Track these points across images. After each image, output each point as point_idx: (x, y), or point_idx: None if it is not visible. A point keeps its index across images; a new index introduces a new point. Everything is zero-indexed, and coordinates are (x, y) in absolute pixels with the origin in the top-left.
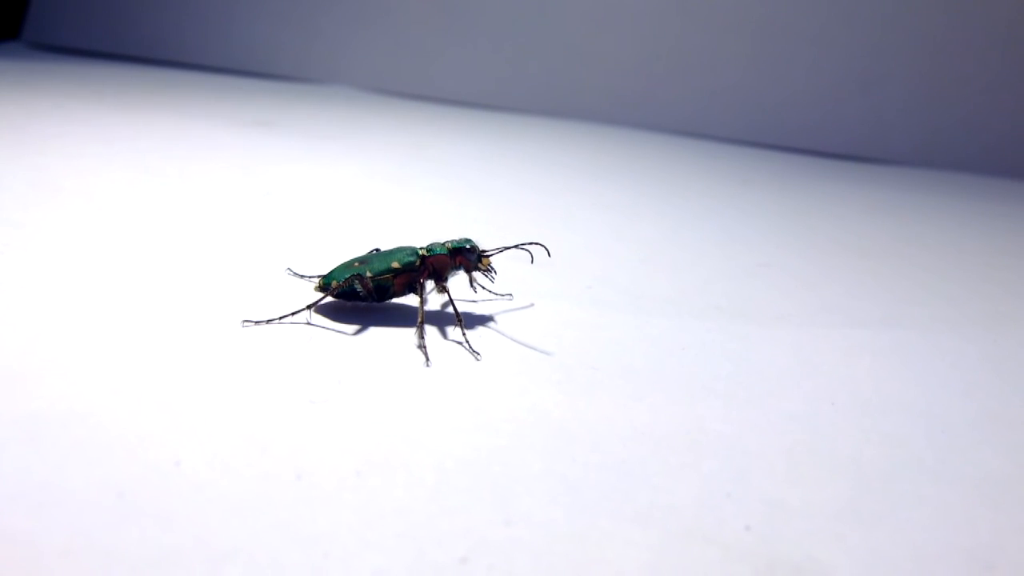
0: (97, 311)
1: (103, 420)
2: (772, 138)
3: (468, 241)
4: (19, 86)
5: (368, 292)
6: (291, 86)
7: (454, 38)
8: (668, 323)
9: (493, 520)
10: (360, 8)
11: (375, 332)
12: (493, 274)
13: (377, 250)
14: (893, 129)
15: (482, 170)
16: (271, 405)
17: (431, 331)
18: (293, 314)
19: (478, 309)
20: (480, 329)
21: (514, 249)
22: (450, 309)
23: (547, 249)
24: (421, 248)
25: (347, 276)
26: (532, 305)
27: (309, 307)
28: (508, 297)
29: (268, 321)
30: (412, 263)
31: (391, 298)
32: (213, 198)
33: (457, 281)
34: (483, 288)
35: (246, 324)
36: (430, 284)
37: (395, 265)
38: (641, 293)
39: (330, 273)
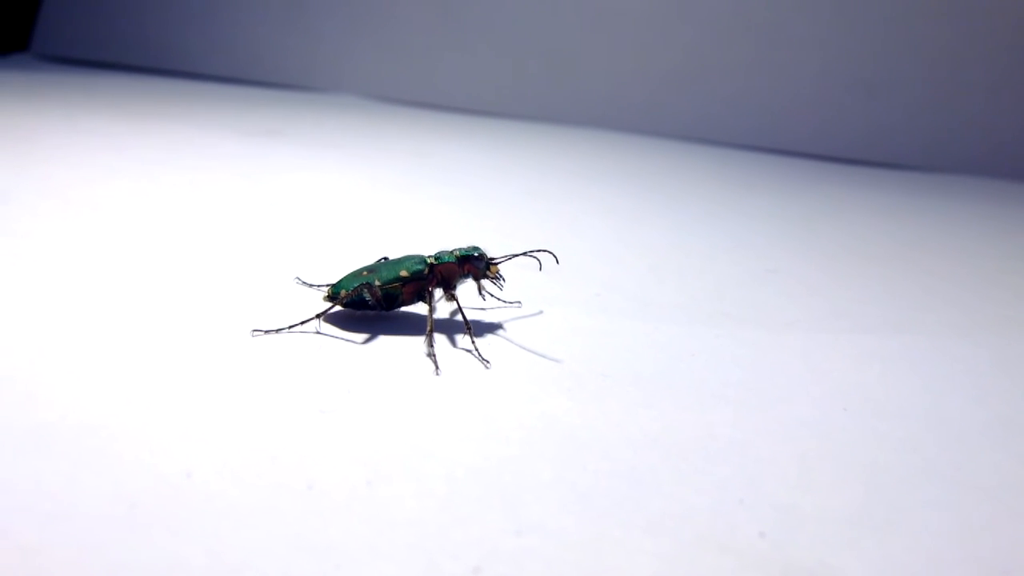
0: (107, 322)
1: (114, 431)
2: (777, 143)
3: (476, 249)
4: (28, 97)
5: (377, 301)
6: (297, 95)
7: (458, 46)
8: (677, 329)
9: (504, 529)
10: (365, 17)
11: (384, 341)
12: (502, 282)
13: (385, 259)
14: (899, 133)
15: (488, 177)
16: (281, 415)
17: (440, 339)
18: (302, 323)
19: (487, 317)
20: (489, 337)
21: (522, 256)
22: (459, 317)
23: (555, 256)
24: (429, 256)
25: (356, 285)
26: (541, 312)
27: (318, 316)
28: (517, 305)
29: (277, 330)
30: (420, 271)
31: (400, 307)
32: (221, 207)
33: (466, 289)
34: (492, 296)
35: (256, 334)
36: (439, 292)
37: (403, 274)
38: (650, 299)
39: (339, 282)
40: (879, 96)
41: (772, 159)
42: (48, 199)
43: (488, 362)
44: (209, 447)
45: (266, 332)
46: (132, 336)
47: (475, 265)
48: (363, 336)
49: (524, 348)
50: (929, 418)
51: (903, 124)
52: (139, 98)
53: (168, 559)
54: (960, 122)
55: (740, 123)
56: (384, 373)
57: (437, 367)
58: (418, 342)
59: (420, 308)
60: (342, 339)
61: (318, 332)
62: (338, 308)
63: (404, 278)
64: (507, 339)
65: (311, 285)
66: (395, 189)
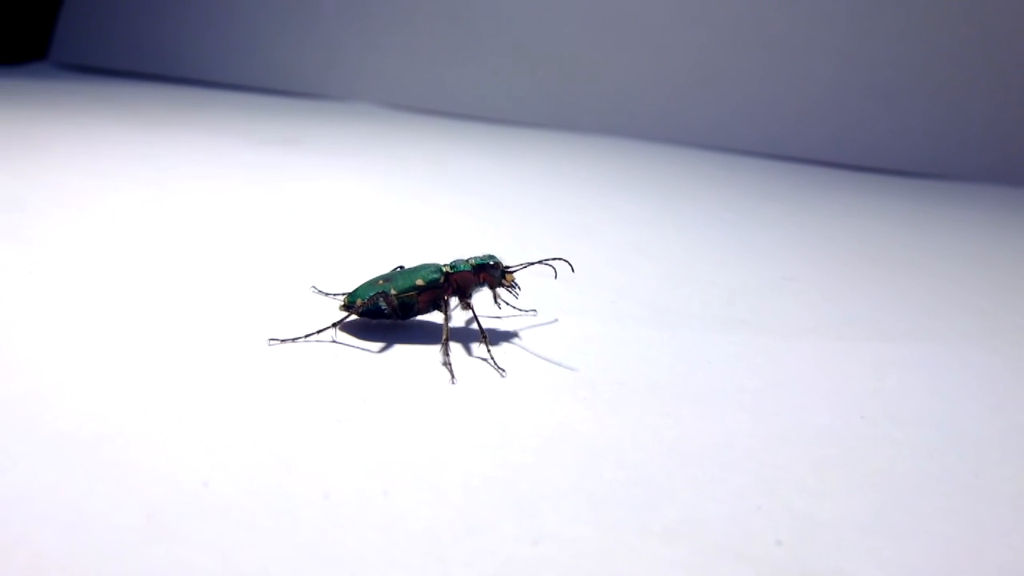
0: (124, 330)
1: (131, 440)
2: (792, 150)
3: (492, 257)
4: (46, 105)
5: (393, 310)
6: (313, 103)
7: (472, 55)
8: (693, 337)
9: (521, 538)
10: (381, 26)
11: (400, 350)
12: (517, 290)
13: (401, 267)
14: (913, 140)
15: (502, 185)
16: (297, 424)
17: (456, 348)
18: (319, 332)
19: (503, 325)
20: (505, 345)
21: (538, 265)
22: (475, 326)
23: (570, 264)
24: (445, 265)
25: (372, 294)
26: (556, 320)
27: (334, 325)
28: (532, 313)
29: (294, 339)
30: (436, 280)
31: (416, 315)
32: (238, 216)
33: (481, 297)
34: (507, 304)
35: (272, 342)
36: (454, 301)
37: (419, 282)
38: (665, 307)
39: (355, 291)
40: (894, 103)
41: (787, 167)
42: (65, 207)
43: (504, 370)
44: (226, 456)
45: (282, 341)
46: (148, 345)
47: (491, 274)
48: (379, 345)
49: (540, 356)
50: (945, 426)
51: (918, 132)
52: (156, 106)
53: (185, 568)
54: (974, 130)
55: (754, 131)
56: (400, 382)
57: (453, 376)
58: (434, 351)
59: (436, 317)
60: (358, 348)
61: (334, 341)
62: (354, 317)
63: (420, 287)
64: (523, 347)
65: (327, 294)
66: (411, 197)
